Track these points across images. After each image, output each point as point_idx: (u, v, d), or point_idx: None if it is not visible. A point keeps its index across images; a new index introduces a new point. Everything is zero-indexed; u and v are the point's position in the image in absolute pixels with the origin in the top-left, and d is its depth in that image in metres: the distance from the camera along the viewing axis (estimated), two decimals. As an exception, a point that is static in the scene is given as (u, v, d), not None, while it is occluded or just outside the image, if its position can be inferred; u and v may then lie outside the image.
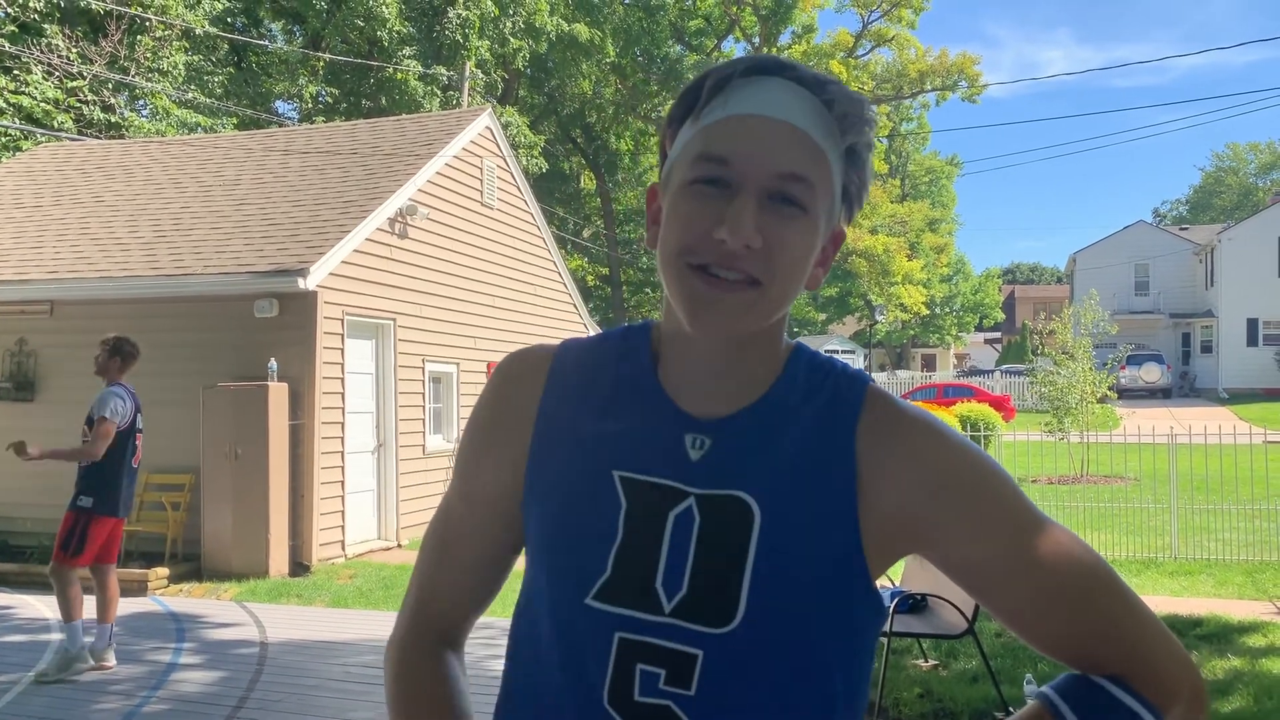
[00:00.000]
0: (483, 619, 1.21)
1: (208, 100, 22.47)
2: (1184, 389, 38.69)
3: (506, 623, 1.17)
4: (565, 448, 1.08)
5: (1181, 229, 50.33)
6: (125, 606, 8.34)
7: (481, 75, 26.49)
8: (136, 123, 20.41)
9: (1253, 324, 37.37)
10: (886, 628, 5.35)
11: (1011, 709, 5.21)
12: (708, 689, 0.99)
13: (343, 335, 10.17)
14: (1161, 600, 7.95)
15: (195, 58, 22.84)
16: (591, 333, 17.06)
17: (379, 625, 7.32)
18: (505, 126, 19.51)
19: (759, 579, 0.99)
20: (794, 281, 1.01)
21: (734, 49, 42.52)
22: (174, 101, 21.20)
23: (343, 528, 10.12)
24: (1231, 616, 7.24)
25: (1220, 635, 6.78)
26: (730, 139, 1.00)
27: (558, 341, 1.18)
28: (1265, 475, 10.71)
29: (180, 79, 21.62)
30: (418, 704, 1.14)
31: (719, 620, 0.99)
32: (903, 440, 1.03)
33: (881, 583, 6.44)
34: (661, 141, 1.11)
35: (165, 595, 8.89)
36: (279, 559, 9.24)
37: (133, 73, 20.26)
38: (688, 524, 1.01)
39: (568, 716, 1.03)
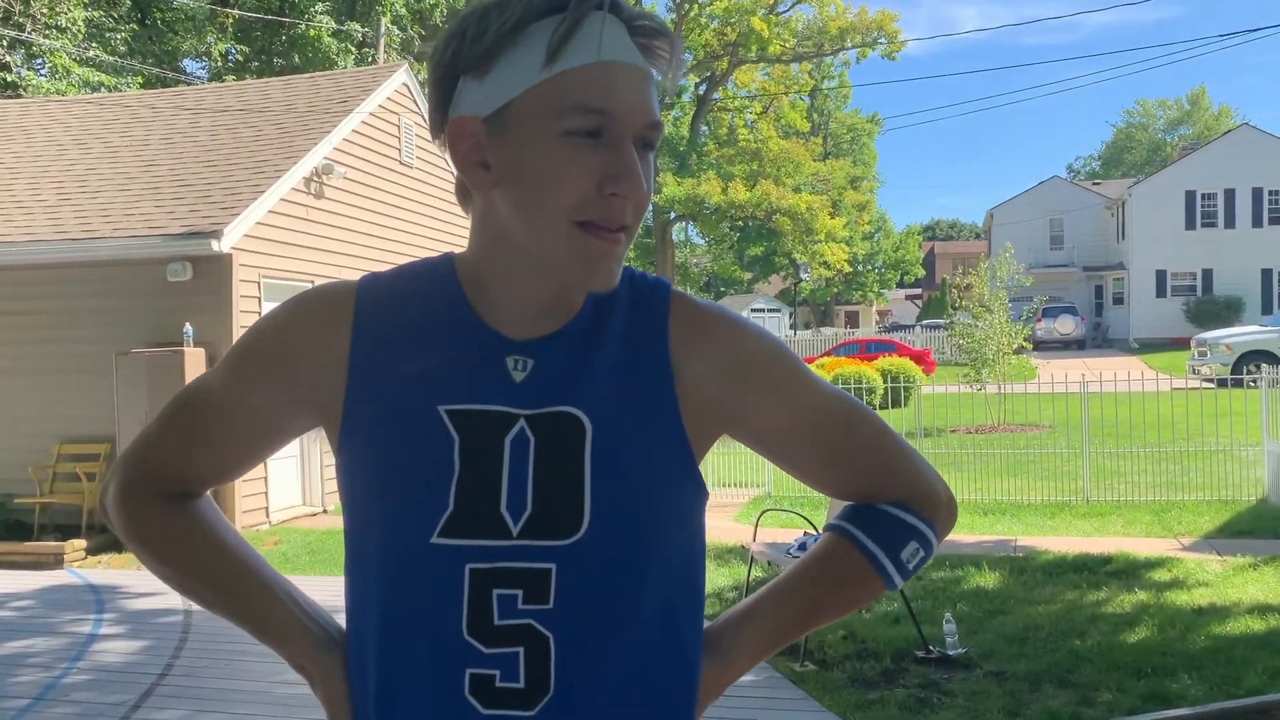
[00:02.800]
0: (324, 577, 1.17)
1: (111, 59, 21.64)
2: (1097, 340, 39.83)
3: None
4: (384, 392, 1.06)
5: (1094, 184, 51.58)
6: (41, 579, 8.16)
7: (397, 31, 25.92)
8: (35, 82, 19.60)
9: (1161, 275, 38.55)
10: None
11: (932, 648, 5.37)
12: (565, 598, 1.02)
13: (259, 299, 9.95)
14: (1073, 541, 8.24)
15: (96, 13, 21.96)
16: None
17: (306, 590, 7.25)
18: (423, 84, 19.11)
19: (599, 484, 1.03)
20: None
21: (654, 4, 42.19)
22: (74, 60, 20.38)
23: (266, 494, 9.97)
24: (1139, 554, 7.54)
25: (1128, 572, 7.06)
26: (609, 88, 0.99)
27: (354, 278, 1.14)
28: (1171, 420, 11.10)
29: (80, 36, 20.77)
30: (191, 543, 1.15)
31: (567, 531, 1.02)
32: (709, 334, 1.11)
33: (806, 530, 6.57)
34: (462, 59, 1.03)
35: (83, 567, 8.69)
36: (201, 527, 9.07)
37: (29, 29, 19.41)
38: (523, 446, 1.03)
39: (427, 655, 1.04)
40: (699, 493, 1.11)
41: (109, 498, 1.17)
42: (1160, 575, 6.98)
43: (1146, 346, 35.11)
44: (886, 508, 1.16)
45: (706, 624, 1.16)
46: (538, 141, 1.00)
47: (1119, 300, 40.61)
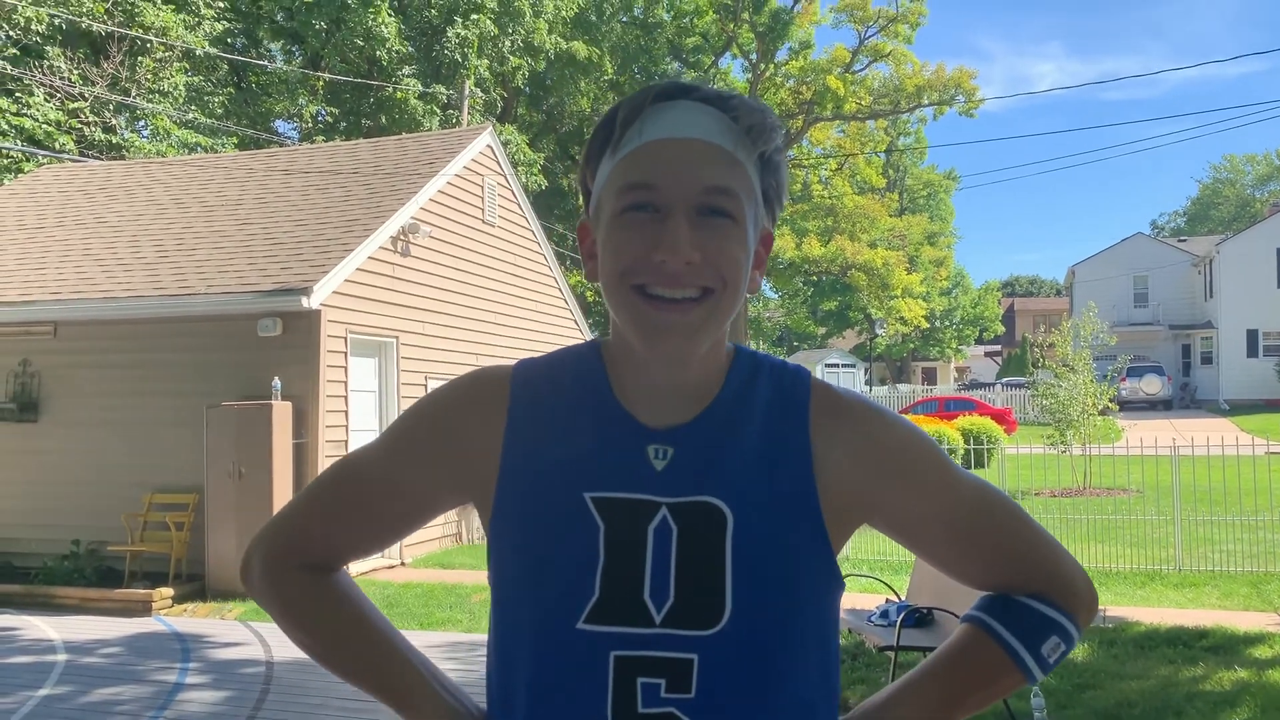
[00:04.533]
0: (465, 637, 1.20)
1: (208, 120, 22.56)
2: (1185, 400, 38.66)
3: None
4: (533, 477, 1.11)
5: (1180, 241, 50.40)
6: (129, 627, 8.35)
7: (480, 94, 26.58)
8: (137, 143, 20.50)
9: (1253, 335, 37.37)
10: (893, 642, 5.36)
11: (1019, 722, 5.21)
12: (707, 689, 1.04)
13: (346, 354, 10.19)
14: (1167, 612, 7.94)
15: (196, 78, 22.95)
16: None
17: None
18: (505, 144, 19.58)
19: (740, 576, 1.05)
20: (739, 286, 1.08)
21: (731, 65, 42.70)
22: (174, 122, 21.28)
23: (346, 546, 10.09)
24: (1237, 628, 7.23)
25: (1226, 647, 6.77)
26: (651, 164, 1.05)
27: (510, 363, 1.20)
28: (1269, 486, 10.70)
29: (181, 100, 21.71)
30: (333, 615, 1.19)
31: (708, 622, 1.04)
32: (850, 424, 1.13)
33: (888, 597, 6.45)
34: (582, 178, 1.15)
35: (170, 615, 8.89)
36: (283, 578, 9.22)
37: (134, 94, 20.36)
38: (666, 535, 1.06)
39: None
40: (835, 584, 1.13)
41: (254, 568, 1.21)
42: (1261, 652, 6.68)
43: (1237, 408, 33.95)
44: (1026, 600, 1.15)
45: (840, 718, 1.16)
46: (606, 222, 1.09)
47: (1207, 360, 39.41)
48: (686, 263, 1.03)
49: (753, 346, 1.19)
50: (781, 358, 1.19)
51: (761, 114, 1.09)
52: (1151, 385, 35.74)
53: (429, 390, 1.18)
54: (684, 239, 1.03)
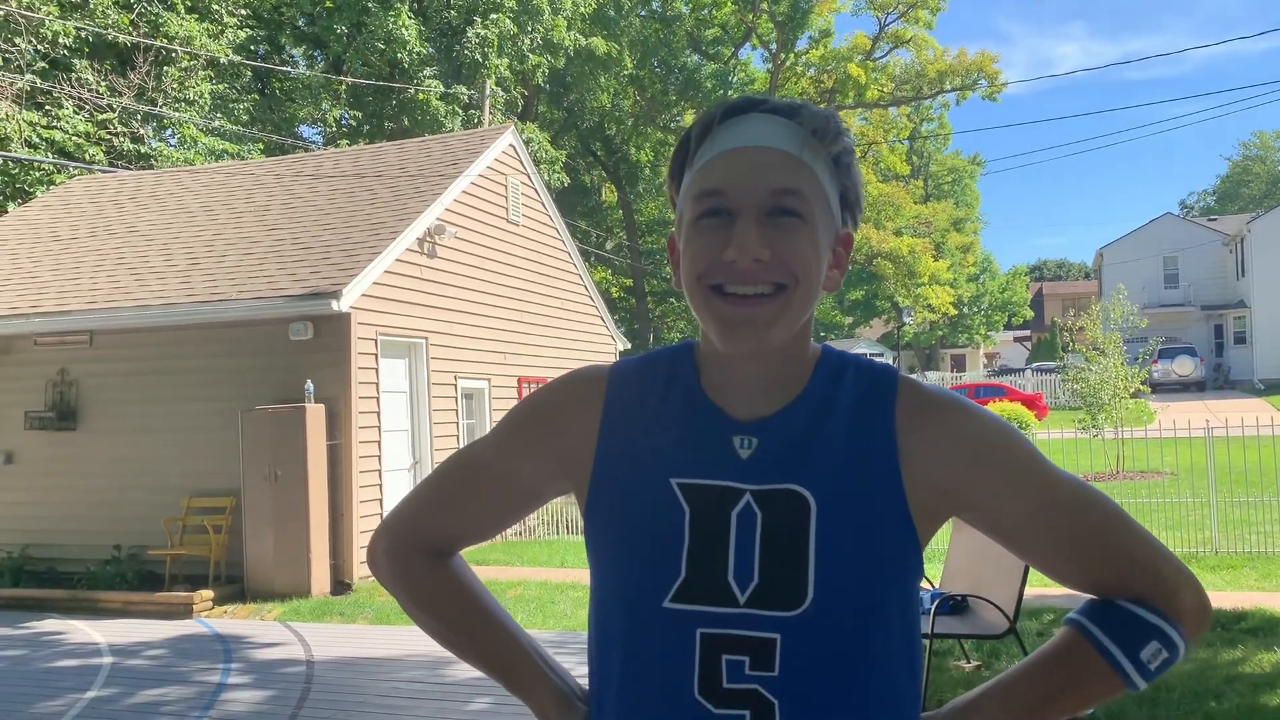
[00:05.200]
0: (558, 636, 1.27)
1: (234, 127, 22.77)
2: (1218, 381, 38.21)
3: (584, 637, 1.25)
4: (626, 466, 1.18)
5: (1210, 220, 49.78)
6: (172, 629, 8.49)
7: (501, 93, 26.67)
8: (165, 152, 20.73)
9: (1287, 313, 36.87)
10: (928, 629, 5.36)
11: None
12: (790, 667, 1.09)
13: (376, 355, 10.28)
14: (1204, 595, 7.88)
15: (220, 86, 23.16)
16: (618, 344, 16.85)
17: (422, 641, 7.37)
18: (526, 143, 19.65)
19: (823, 561, 1.09)
20: (813, 282, 1.13)
21: (751, 56, 42.63)
22: (201, 130, 21.51)
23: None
24: (1277, 610, 7.17)
25: (1266, 629, 6.72)
26: (721, 172, 1.12)
27: (608, 363, 1.29)
28: (1305, 466, 10.59)
29: (206, 107, 21.93)
30: (452, 597, 1.30)
31: (791, 604, 1.09)
32: (937, 418, 1.15)
33: (923, 585, 6.45)
34: (670, 197, 1.23)
35: (210, 617, 9.02)
36: (321, 578, 9.35)
37: (160, 103, 20.59)
38: (750, 520, 1.11)
39: (662, 712, 1.12)
40: (919, 571, 1.16)
41: (379, 555, 1.33)
42: (1301, 633, 6.63)
43: (1272, 388, 33.52)
44: (1126, 604, 1.14)
45: (931, 713, 1.19)
46: (684, 230, 1.16)
47: (1241, 340, 38.93)
48: (755, 260, 1.09)
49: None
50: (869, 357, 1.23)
51: (826, 118, 1.15)
52: (1184, 367, 35.35)
53: (457, 384, 1.27)
54: (752, 238, 1.09)
